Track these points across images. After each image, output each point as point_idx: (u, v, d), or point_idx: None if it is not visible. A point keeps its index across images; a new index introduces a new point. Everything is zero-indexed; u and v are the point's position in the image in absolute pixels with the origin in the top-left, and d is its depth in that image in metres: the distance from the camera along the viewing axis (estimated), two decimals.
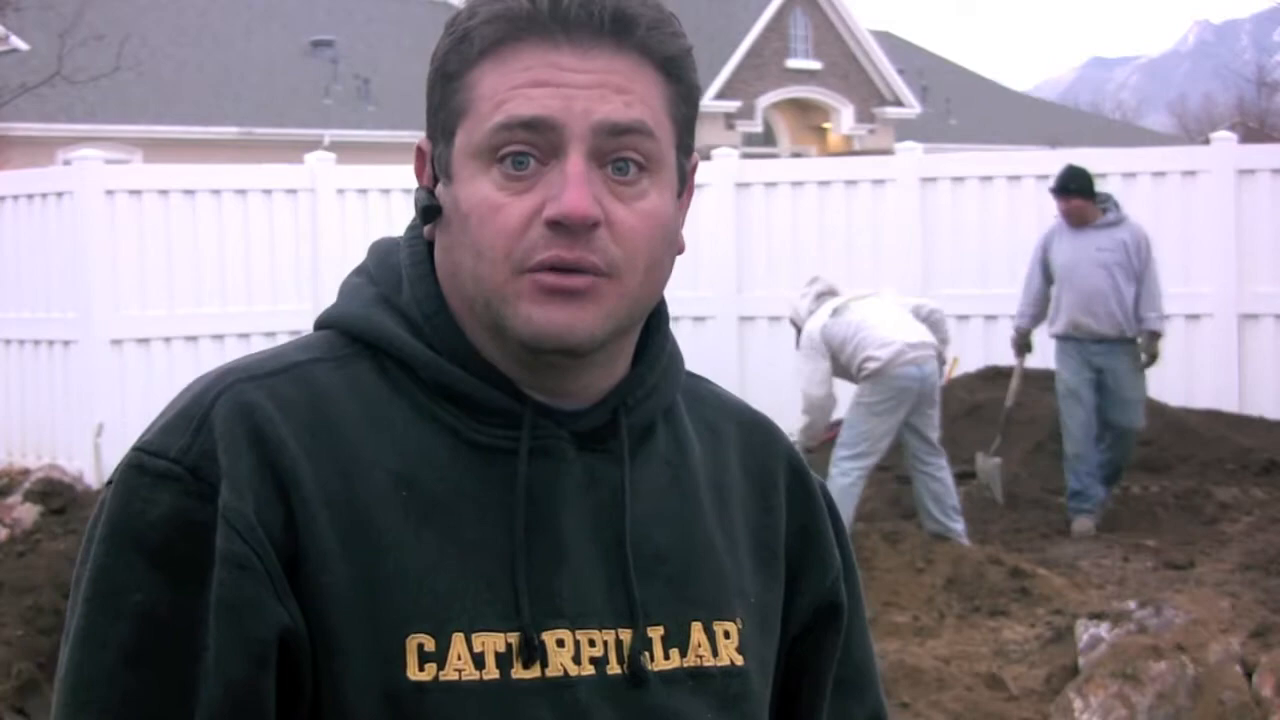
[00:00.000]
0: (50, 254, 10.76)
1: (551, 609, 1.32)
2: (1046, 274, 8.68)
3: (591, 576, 1.35)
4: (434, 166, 1.37)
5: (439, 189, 1.37)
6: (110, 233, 10.56)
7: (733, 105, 33.99)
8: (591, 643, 1.34)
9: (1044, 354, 9.09)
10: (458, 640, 1.29)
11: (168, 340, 10.66)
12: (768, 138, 35.42)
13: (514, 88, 1.30)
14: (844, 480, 7.65)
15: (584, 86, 1.30)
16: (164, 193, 10.85)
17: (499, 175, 1.31)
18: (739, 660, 1.41)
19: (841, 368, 7.73)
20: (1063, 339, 8.65)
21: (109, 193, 10.64)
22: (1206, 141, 13.14)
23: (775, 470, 1.50)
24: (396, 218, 10.81)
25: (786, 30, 35.51)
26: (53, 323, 10.77)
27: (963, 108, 40.32)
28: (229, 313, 10.90)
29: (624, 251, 1.31)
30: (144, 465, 1.29)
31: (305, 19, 34.20)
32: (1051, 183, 8.70)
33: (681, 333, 9.29)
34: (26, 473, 10.02)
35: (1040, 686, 5.83)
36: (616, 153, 1.31)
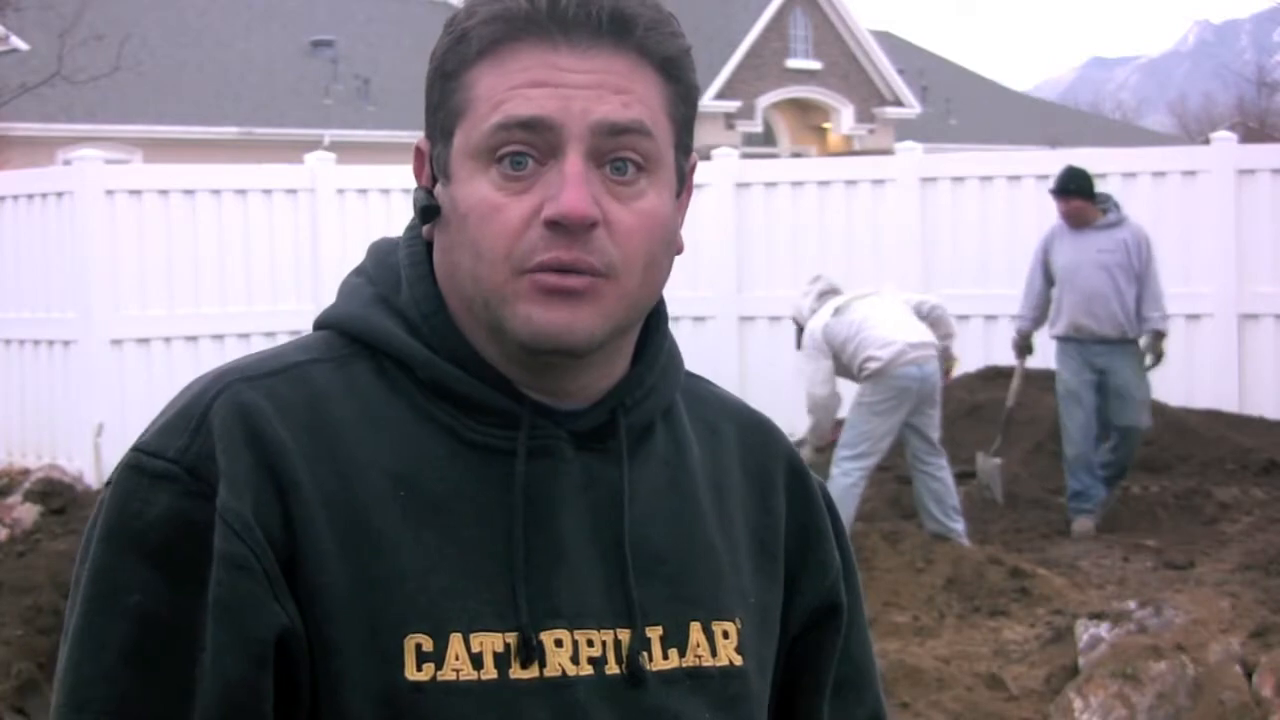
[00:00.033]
0: (50, 254, 10.76)
1: (550, 609, 1.32)
2: (1047, 275, 8.67)
3: (590, 576, 1.35)
4: (433, 166, 1.37)
5: (438, 189, 1.36)
6: (110, 233, 10.56)
7: (733, 105, 34.00)
8: (590, 643, 1.34)
9: (1045, 354, 9.09)
10: (455, 640, 1.29)
11: (168, 340, 10.66)
12: (768, 138, 35.43)
13: (512, 88, 1.30)
14: (845, 480, 7.65)
15: (582, 86, 1.30)
16: (164, 193, 10.86)
17: (497, 175, 1.31)
18: (738, 660, 1.41)
19: (843, 367, 7.73)
20: (1064, 340, 8.65)
21: (109, 193, 10.64)
22: (1206, 141, 13.14)
23: (775, 470, 1.50)
24: (396, 218, 10.81)
25: (786, 30, 35.51)
26: (53, 323, 10.77)
27: (963, 108, 40.32)
28: (229, 313, 10.91)
29: (622, 252, 1.31)
30: (142, 465, 1.29)
31: (305, 19, 34.21)
32: (1051, 184, 8.70)
33: (681, 333, 9.33)
34: (26, 473, 10.03)
35: (1040, 686, 5.83)
36: (615, 153, 1.31)
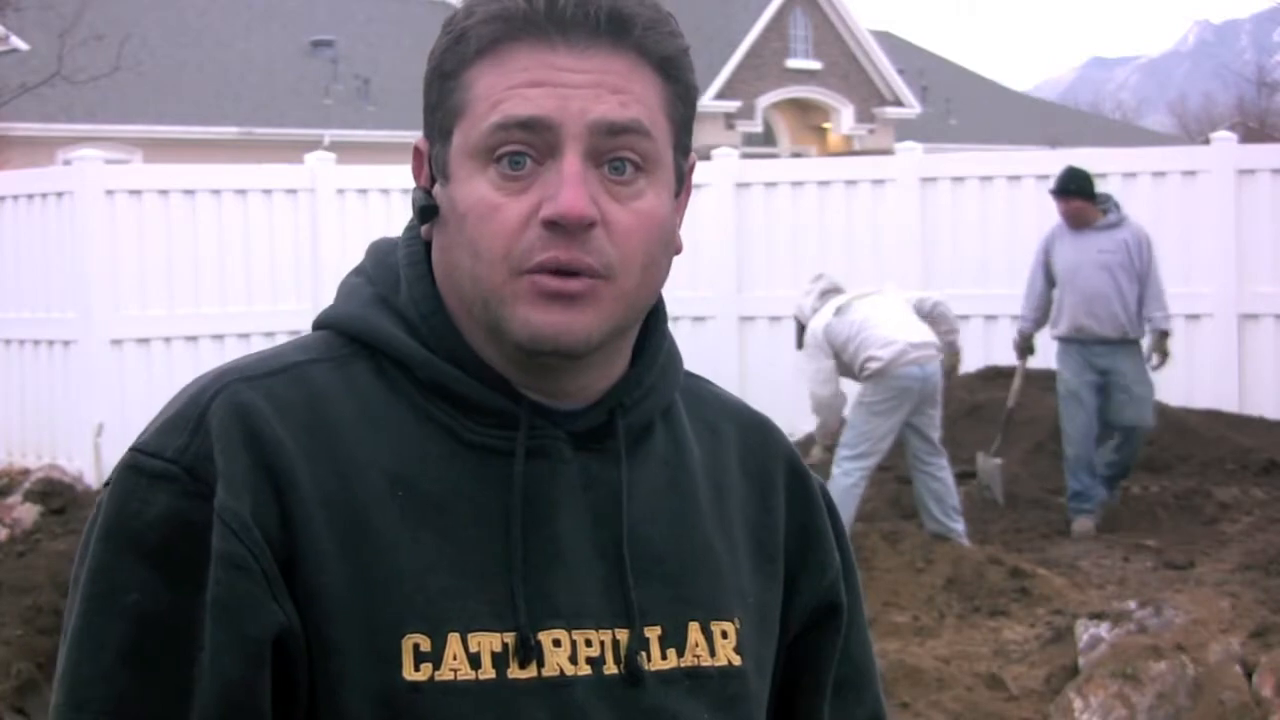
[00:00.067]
0: (50, 254, 10.76)
1: (548, 609, 1.32)
2: (1049, 276, 8.67)
3: (588, 577, 1.35)
4: (431, 166, 1.37)
5: (436, 189, 1.36)
6: (110, 233, 10.56)
7: (733, 105, 34.00)
8: (588, 643, 1.33)
9: (1045, 354, 9.09)
10: (453, 640, 1.29)
11: (168, 340, 10.66)
12: (768, 138, 35.43)
13: (510, 88, 1.30)
14: (846, 481, 7.65)
15: (580, 86, 1.30)
16: (164, 193, 10.86)
17: (496, 175, 1.31)
18: (736, 660, 1.40)
19: (844, 367, 7.74)
20: (1065, 341, 8.64)
21: (109, 193, 10.64)
22: (1206, 141, 13.14)
23: (774, 470, 1.50)
24: (396, 218, 10.80)
25: (786, 30, 35.51)
26: (53, 323, 10.78)
27: (963, 108, 40.32)
28: (229, 313, 10.91)
29: (620, 252, 1.31)
30: (141, 465, 1.29)
31: (305, 19, 34.21)
32: (1051, 184, 8.69)
33: (681, 333, 9.33)
34: (26, 473, 10.03)
35: (1040, 686, 5.82)
36: (613, 152, 1.31)
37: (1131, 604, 6.23)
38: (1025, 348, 9.03)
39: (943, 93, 40.41)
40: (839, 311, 7.73)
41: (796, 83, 35.47)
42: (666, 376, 1.44)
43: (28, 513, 8.84)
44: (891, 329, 7.62)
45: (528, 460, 1.34)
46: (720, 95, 33.56)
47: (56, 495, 9.12)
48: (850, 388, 7.89)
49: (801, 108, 35.92)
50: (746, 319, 11.53)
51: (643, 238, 1.32)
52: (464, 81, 1.33)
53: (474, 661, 1.29)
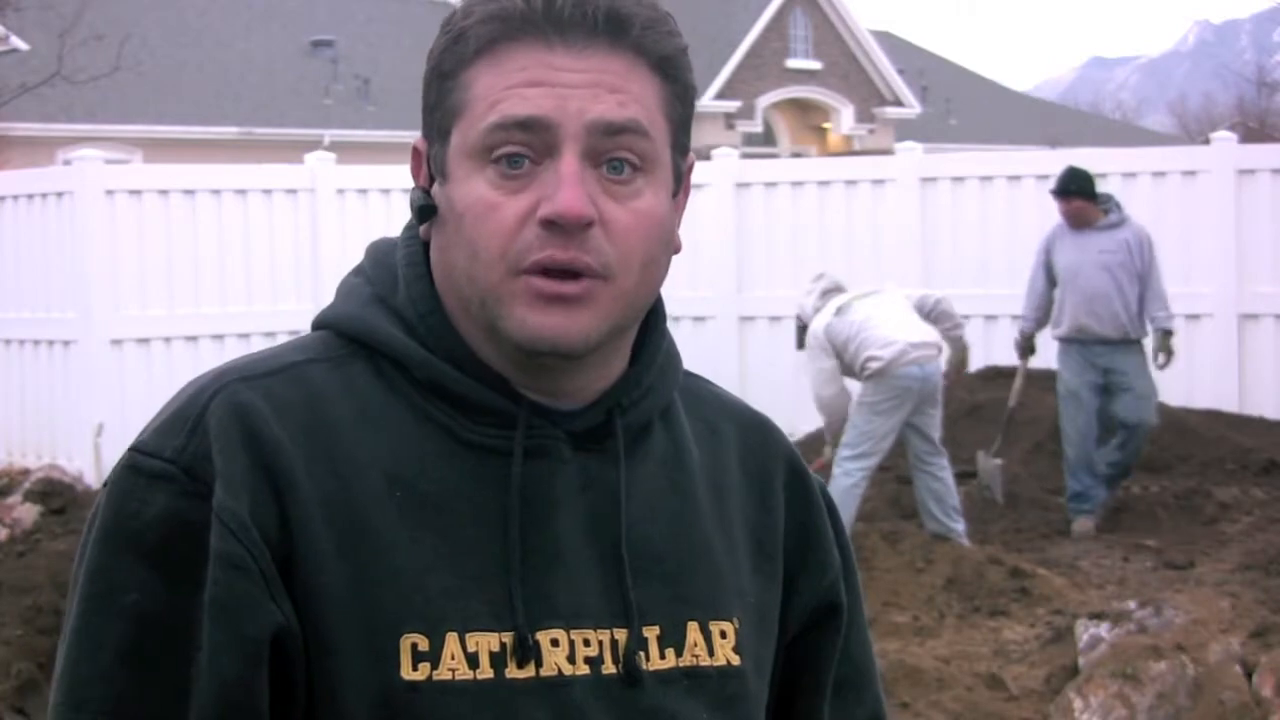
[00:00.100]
0: (50, 254, 10.76)
1: (546, 609, 1.32)
2: (1049, 276, 8.66)
3: (587, 576, 1.35)
4: (430, 166, 1.37)
5: (435, 189, 1.36)
6: (110, 233, 10.56)
7: (733, 105, 34.00)
8: (586, 642, 1.33)
9: (1046, 353, 9.09)
10: (451, 640, 1.29)
11: (168, 340, 10.66)
12: (768, 138, 35.43)
13: (509, 88, 1.30)
14: (847, 481, 7.65)
15: (578, 86, 1.30)
16: (164, 193, 10.86)
17: (494, 175, 1.31)
18: (735, 660, 1.40)
19: (845, 367, 7.74)
20: (1066, 341, 8.64)
21: (109, 193, 10.64)
22: (1206, 141, 13.14)
23: (774, 470, 1.50)
24: (396, 218, 10.78)
25: (786, 30, 35.51)
26: (53, 323, 10.78)
27: (963, 108, 40.32)
28: (229, 313, 10.91)
29: (619, 251, 1.31)
30: (139, 466, 1.29)
31: (305, 19, 34.21)
32: (1052, 184, 8.69)
33: (681, 333, 9.30)
34: (26, 473, 10.03)
35: (1040, 686, 5.82)
36: (611, 152, 1.31)
37: (1131, 604, 6.23)
38: (1027, 347, 9.03)
39: (943, 93, 40.42)
40: (840, 311, 7.73)
41: (796, 83, 35.47)
42: (665, 376, 1.44)
43: (28, 513, 8.84)
44: (892, 329, 7.62)
45: (526, 460, 1.34)
46: (720, 95, 33.56)
47: (56, 495, 9.12)
48: (852, 387, 7.89)
49: (801, 108, 35.92)
50: (746, 319, 11.53)
51: (641, 237, 1.32)
52: (462, 81, 1.33)
53: (472, 661, 1.29)
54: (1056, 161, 10.10)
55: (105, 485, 1.32)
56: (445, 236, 1.35)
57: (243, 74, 31.27)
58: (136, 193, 10.76)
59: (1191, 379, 10.35)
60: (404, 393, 1.35)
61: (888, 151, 16.49)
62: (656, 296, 1.40)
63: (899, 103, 36.45)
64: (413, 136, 1.41)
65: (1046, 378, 9.19)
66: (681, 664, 1.37)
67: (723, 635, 1.40)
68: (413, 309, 1.37)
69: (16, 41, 23.69)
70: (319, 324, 1.41)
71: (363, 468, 1.31)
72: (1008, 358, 9.60)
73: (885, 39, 39.52)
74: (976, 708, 5.58)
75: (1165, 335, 8.58)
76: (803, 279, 8.66)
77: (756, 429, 1.52)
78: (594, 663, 1.33)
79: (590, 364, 1.35)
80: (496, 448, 1.34)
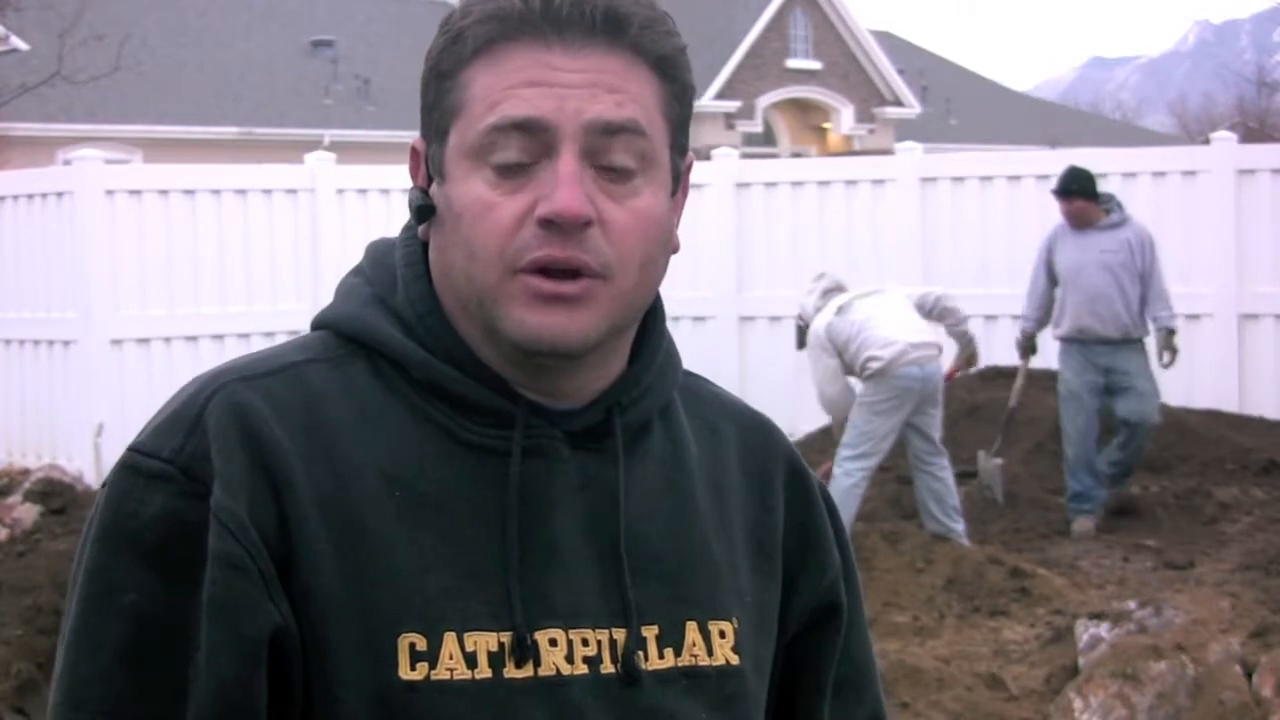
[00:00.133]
0: (50, 254, 10.76)
1: (544, 609, 1.32)
2: (1051, 276, 8.66)
3: (585, 576, 1.35)
4: (428, 166, 1.37)
5: (433, 189, 1.36)
6: (110, 233, 10.56)
7: (733, 105, 34.00)
8: (585, 642, 1.33)
9: (1046, 353, 9.08)
10: (450, 640, 1.29)
11: (168, 340, 10.66)
12: (768, 138, 35.43)
13: (507, 88, 1.30)
14: (847, 481, 7.65)
15: (576, 86, 1.30)
16: (164, 193, 10.86)
17: (491, 174, 1.31)
18: (734, 660, 1.40)
19: (845, 366, 7.74)
20: (1067, 341, 8.63)
21: (109, 193, 10.64)
22: (1206, 141, 13.14)
23: (774, 470, 1.50)
24: (396, 218, 10.74)
25: (786, 30, 35.51)
26: (53, 323, 10.78)
27: (963, 108, 40.32)
28: (229, 313, 10.91)
29: (617, 251, 1.31)
30: (138, 466, 1.30)
31: (305, 19, 34.21)
32: (1054, 184, 8.68)
33: (681, 333, 9.29)
34: (26, 473, 10.02)
35: (1040, 686, 5.82)
36: (609, 152, 1.31)
37: (1131, 604, 6.23)
38: (1028, 347, 9.02)
39: (943, 93, 40.42)
40: (841, 311, 7.73)
41: (796, 83, 35.47)
42: (664, 376, 1.44)
43: (28, 513, 8.84)
44: (892, 329, 7.62)
45: (524, 460, 1.34)
46: (720, 95, 33.56)
47: (56, 495, 9.12)
48: (856, 385, 7.90)
49: (801, 108, 35.92)
50: (746, 319, 11.53)
51: (640, 237, 1.32)
52: (460, 81, 1.33)
53: (470, 661, 1.29)
54: (1056, 161, 10.10)
55: (104, 485, 1.32)
56: (443, 236, 1.35)
57: (243, 74, 31.27)
58: (136, 193, 10.76)
59: (1191, 379, 10.34)
60: (403, 393, 1.35)
61: (888, 151, 16.49)
62: (655, 296, 1.40)
63: (899, 103, 36.45)
64: (413, 136, 1.41)
65: (1047, 378, 9.19)
66: (680, 664, 1.37)
67: (721, 635, 1.40)
68: (411, 309, 1.36)
69: (16, 41, 23.70)
70: (318, 324, 1.41)
71: (361, 468, 1.31)
72: (1008, 358, 9.60)
73: (885, 39, 39.52)
74: (976, 708, 5.58)
75: (1169, 334, 8.58)
76: (803, 279, 8.66)
77: (756, 429, 1.52)
78: (592, 662, 1.33)
79: (589, 363, 1.35)
80: (495, 448, 1.34)
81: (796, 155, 30.54)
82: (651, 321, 1.42)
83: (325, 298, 1.43)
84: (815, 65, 35.73)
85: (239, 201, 11.09)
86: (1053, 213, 8.78)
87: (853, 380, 7.86)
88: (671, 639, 1.37)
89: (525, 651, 1.30)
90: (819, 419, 8.95)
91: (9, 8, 22.12)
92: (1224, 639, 5.60)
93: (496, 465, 1.34)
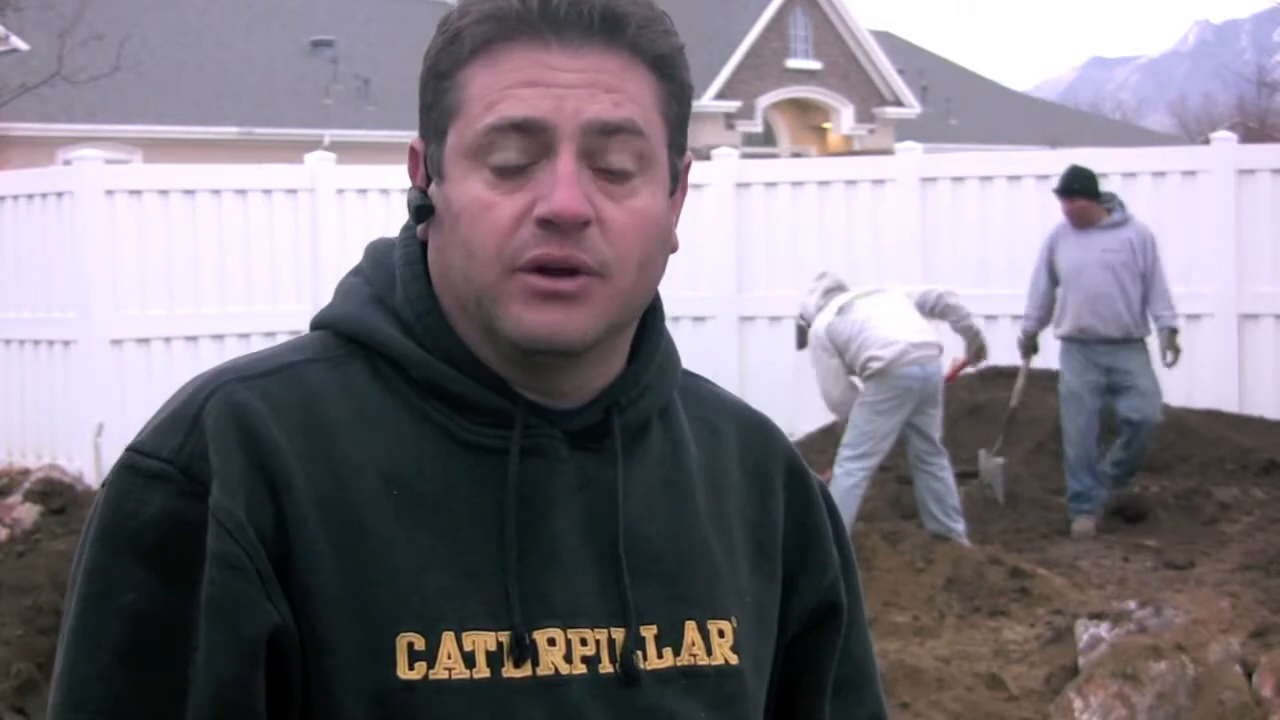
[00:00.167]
0: (50, 254, 10.76)
1: (543, 608, 1.32)
2: (1052, 275, 8.66)
3: (584, 576, 1.35)
4: (427, 166, 1.37)
5: (432, 189, 1.36)
6: (110, 233, 10.56)
7: (732, 105, 33.99)
8: (584, 642, 1.33)
9: (1047, 353, 9.08)
10: (448, 639, 1.29)
11: (168, 340, 10.66)
12: (768, 138, 35.42)
13: (505, 88, 1.30)
14: (848, 481, 7.65)
15: (574, 86, 1.30)
16: (164, 193, 10.86)
17: (490, 174, 1.31)
18: (733, 659, 1.40)
19: (847, 366, 7.74)
20: (1068, 340, 8.63)
21: (109, 193, 10.64)
22: (1206, 141, 13.13)
23: (774, 470, 1.50)
24: (396, 218, 10.69)
25: (786, 30, 35.51)
26: (53, 323, 10.78)
27: (963, 108, 40.32)
28: (229, 313, 10.91)
29: (615, 250, 1.31)
30: (136, 466, 1.30)
31: (305, 19, 34.22)
32: (1055, 184, 8.68)
33: (681, 333, 9.30)
34: (26, 473, 10.03)
35: (1040, 686, 5.82)
36: (607, 152, 1.31)
37: (1131, 604, 6.23)
38: (1029, 347, 9.02)
39: (943, 93, 40.41)
40: (842, 310, 7.74)
41: (796, 83, 35.47)
42: (664, 375, 1.44)
43: (28, 513, 8.84)
44: (893, 329, 7.63)
45: (523, 459, 1.34)
46: (720, 95, 33.55)
47: (56, 495, 9.12)
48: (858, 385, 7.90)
49: (801, 108, 35.92)
50: (746, 319, 11.53)
51: (638, 236, 1.32)
52: (459, 81, 1.33)
53: (469, 660, 1.29)
54: (1056, 161, 10.09)
55: (103, 485, 1.32)
56: (442, 236, 1.35)
57: (243, 74, 31.27)
58: (136, 193, 10.77)
59: (1191, 379, 10.34)
60: (401, 393, 1.35)
61: (888, 151, 16.49)
62: (654, 295, 1.40)
63: (899, 103, 36.45)
64: (412, 137, 1.41)
65: (1048, 378, 9.19)
66: (679, 663, 1.37)
67: (721, 635, 1.40)
68: (410, 309, 1.36)
69: (16, 41, 23.70)
70: (317, 324, 1.41)
71: (360, 467, 1.31)
72: (1008, 358, 9.60)
73: (885, 39, 39.52)
74: (976, 708, 5.58)
75: (1171, 333, 8.58)
76: (803, 279, 8.66)
77: (756, 429, 1.52)
78: (591, 662, 1.33)
79: (588, 363, 1.35)
80: (494, 447, 1.34)
81: (796, 155, 30.54)
82: (650, 321, 1.42)
83: (325, 298, 1.43)
84: (815, 65, 35.73)
85: (239, 201, 11.09)
86: (1053, 212, 8.78)
87: (856, 379, 7.86)
88: (670, 639, 1.37)
89: (524, 651, 1.30)
90: (819, 419, 8.96)
91: (9, 8, 22.13)
92: (1224, 639, 5.60)
93: (495, 465, 1.34)
